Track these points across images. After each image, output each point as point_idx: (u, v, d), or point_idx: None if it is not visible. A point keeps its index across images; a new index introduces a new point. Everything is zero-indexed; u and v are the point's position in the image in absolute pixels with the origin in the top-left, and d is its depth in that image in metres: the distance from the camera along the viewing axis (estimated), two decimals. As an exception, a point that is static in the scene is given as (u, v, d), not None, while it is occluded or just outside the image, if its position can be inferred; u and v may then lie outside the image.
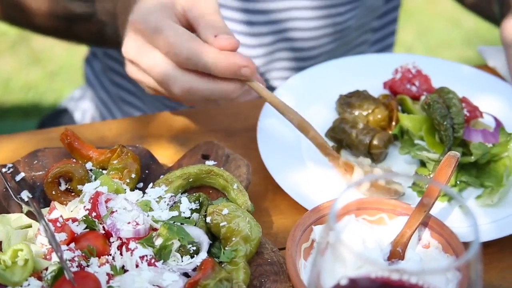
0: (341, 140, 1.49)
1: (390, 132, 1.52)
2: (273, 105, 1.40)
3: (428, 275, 0.89)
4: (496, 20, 1.83)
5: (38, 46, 4.19)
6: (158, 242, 1.18)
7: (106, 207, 1.21)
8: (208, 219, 1.23)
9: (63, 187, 1.28)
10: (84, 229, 1.20)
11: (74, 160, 1.32)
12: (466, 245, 0.92)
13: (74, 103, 2.29)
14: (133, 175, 1.30)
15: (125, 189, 1.28)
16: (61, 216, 1.19)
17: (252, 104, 1.61)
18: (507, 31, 1.67)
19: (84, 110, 2.26)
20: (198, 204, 1.26)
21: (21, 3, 1.79)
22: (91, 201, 1.22)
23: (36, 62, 4.11)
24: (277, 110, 1.40)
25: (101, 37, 1.76)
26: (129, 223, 1.19)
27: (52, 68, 4.09)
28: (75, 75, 3.99)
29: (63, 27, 1.81)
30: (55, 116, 2.30)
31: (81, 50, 3.85)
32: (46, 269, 1.13)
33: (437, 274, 0.90)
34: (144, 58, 1.39)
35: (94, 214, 1.21)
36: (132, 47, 1.40)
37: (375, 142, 1.46)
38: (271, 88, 1.60)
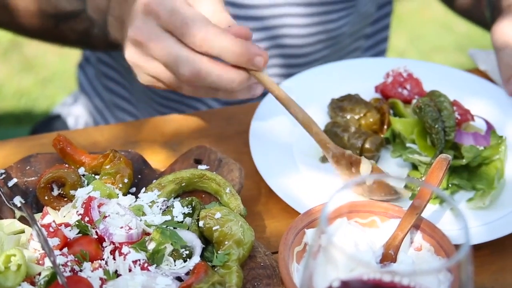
0: (333, 144, 1.50)
1: (382, 135, 1.52)
2: (278, 98, 1.40)
3: (419, 276, 0.89)
4: (487, 24, 1.83)
5: (31, 53, 4.19)
6: (151, 246, 1.18)
7: (99, 212, 1.22)
8: (201, 223, 1.23)
9: (55, 192, 1.28)
10: (77, 234, 1.20)
11: (66, 165, 1.32)
12: (458, 247, 0.92)
13: (67, 109, 2.29)
14: (125, 180, 1.31)
15: (117, 194, 1.28)
16: (53, 221, 1.20)
17: (244, 108, 1.62)
18: (497, 34, 1.68)
19: (77, 116, 2.26)
20: (190, 209, 1.26)
21: (7, 2, 1.77)
22: (83, 206, 1.22)
23: (28, 69, 4.11)
24: (282, 103, 1.40)
25: (87, 36, 1.74)
26: (122, 227, 1.19)
27: (45, 74, 4.09)
28: (67, 82, 3.99)
29: (50, 26, 1.78)
30: (48, 122, 2.30)
31: (74, 57, 3.85)
32: (39, 274, 1.13)
33: (428, 275, 0.90)
34: (155, 40, 1.36)
35: (87, 219, 1.21)
36: (143, 28, 1.37)
37: (367, 145, 1.47)
38: (263, 94, 1.60)
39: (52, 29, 1.79)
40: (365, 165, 1.38)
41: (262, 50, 1.36)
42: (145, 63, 1.39)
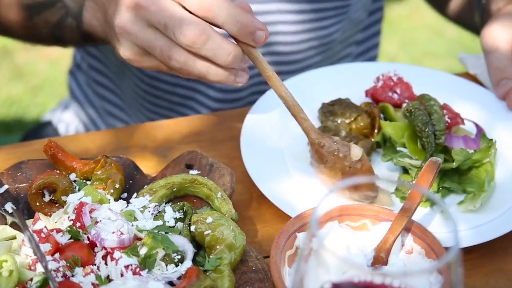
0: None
1: (373, 139, 1.53)
2: (268, 79, 1.39)
3: (410, 278, 0.89)
4: (477, 29, 1.84)
5: (21, 60, 4.19)
6: (143, 251, 1.18)
7: (90, 217, 1.22)
8: (192, 228, 1.23)
9: (47, 198, 1.28)
10: (69, 239, 1.20)
11: (57, 171, 1.32)
12: (448, 250, 0.93)
13: (57, 116, 2.29)
14: (117, 185, 1.31)
15: (109, 199, 1.28)
16: (45, 227, 1.20)
17: (235, 113, 1.62)
18: (486, 38, 1.68)
19: (68, 122, 2.26)
20: (182, 213, 1.26)
21: None
22: (75, 212, 1.22)
23: (19, 77, 4.10)
24: (271, 85, 1.40)
25: (59, 29, 1.70)
26: (113, 232, 1.19)
27: (35, 82, 4.09)
28: (58, 89, 3.98)
29: (23, 18, 1.74)
30: (38, 129, 2.29)
31: (64, 64, 3.85)
32: (31, 279, 1.13)
33: (418, 276, 0.90)
34: (158, 2, 1.34)
35: (78, 224, 1.21)
36: None
37: (357, 149, 1.47)
38: (253, 102, 1.60)
39: (26, 22, 1.75)
40: (356, 150, 1.38)
41: (264, 25, 1.35)
42: (139, 29, 1.37)
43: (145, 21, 1.36)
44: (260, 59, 1.38)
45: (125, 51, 1.42)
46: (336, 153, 1.39)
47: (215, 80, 1.38)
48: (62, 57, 4.13)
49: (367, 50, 2.17)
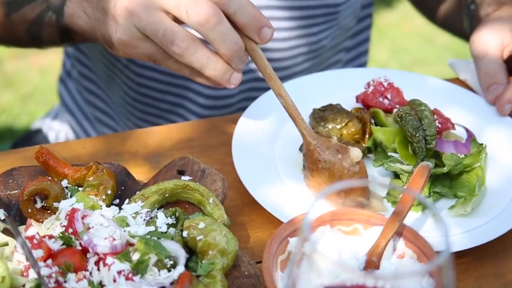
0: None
1: (364, 145, 1.53)
2: (268, 78, 1.40)
3: (401, 281, 0.90)
4: (466, 35, 1.85)
5: (11, 69, 4.19)
6: (135, 257, 1.18)
7: (83, 223, 1.22)
8: (184, 233, 1.23)
9: (39, 204, 1.28)
10: (61, 245, 1.20)
11: (49, 177, 1.32)
12: (440, 253, 0.93)
13: (47, 124, 2.28)
14: (109, 192, 1.31)
15: (101, 206, 1.28)
16: (37, 233, 1.19)
17: (227, 119, 1.63)
18: (476, 43, 1.69)
19: (58, 130, 2.25)
20: (174, 219, 1.27)
21: None
22: (67, 218, 1.22)
23: (8, 85, 4.10)
24: (271, 84, 1.40)
25: (38, 25, 1.65)
26: (106, 238, 1.19)
27: (25, 91, 4.08)
28: (48, 98, 3.98)
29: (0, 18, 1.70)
30: (28, 137, 2.29)
31: (54, 73, 3.84)
32: (24, 286, 1.13)
33: (410, 278, 0.91)
34: None
35: (70, 230, 1.21)
36: None
37: (349, 155, 1.48)
38: (244, 108, 1.61)
39: (2, 20, 1.70)
40: (356, 152, 1.38)
41: (271, 24, 1.36)
42: (145, 10, 1.35)
43: (152, 2, 1.35)
44: (261, 56, 1.39)
45: (122, 34, 1.39)
46: (335, 154, 1.39)
47: (211, 74, 1.37)
48: (52, 65, 4.13)
49: (356, 57, 2.18)
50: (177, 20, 1.36)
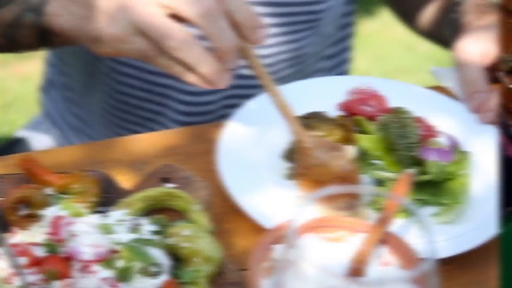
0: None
1: (348, 152, 1.54)
2: (261, 78, 1.41)
3: (386, 287, 0.90)
4: (448, 43, 1.86)
5: (-10, 78, 4.17)
6: (120, 264, 1.18)
7: (67, 230, 1.21)
8: (169, 241, 1.23)
9: (23, 212, 1.28)
10: (45, 253, 1.20)
11: (33, 185, 1.32)
12: (424, 260, 0.94)
13: (29, 133, 2.27)
14: (93, 199, 1.31)
15: (85, 213, 1.28)
16: (21, 240, 1.19)
17: (211, 126, 1.62)
18: (459, 51, 1.70)
19: (40, 139, 2.24)
20: (159, 226, 1.26)
21: None
22: (51, 225, 1.22)
23: (-12, 95, 4.09)
24: (264, 83, 1.42)
25: (15, 27, 1.58)
26: (90, 246, 1.19)
27: (6, 100, 4.06)
28: (29, 107, 3.95)
29: None
30: (10, 147, 2.27)
31: (34, 81, 3.82)
32: (7, 293, 1.13)
33: (394, 284, 0.91)
34: None
35: (55, 238, 1.21)
36: None
37: (333, 162, 1.48)
38: (225, 115, 1.61)
39: None
40: (349, 148, 1.39)
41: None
42: (143, 5, 1.34)
43: None
44: (253, 54, 1.40)
45: (114, 29, 1.37)
46: (329, 152, 1.39)
47: (206, 71, 1.35)
48: (32, 74, 4.11)
49: (338, 64, 2.18)
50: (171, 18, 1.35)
